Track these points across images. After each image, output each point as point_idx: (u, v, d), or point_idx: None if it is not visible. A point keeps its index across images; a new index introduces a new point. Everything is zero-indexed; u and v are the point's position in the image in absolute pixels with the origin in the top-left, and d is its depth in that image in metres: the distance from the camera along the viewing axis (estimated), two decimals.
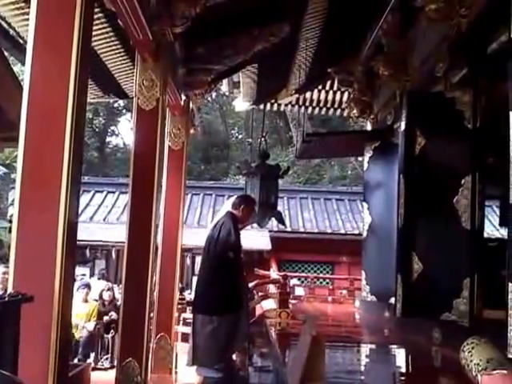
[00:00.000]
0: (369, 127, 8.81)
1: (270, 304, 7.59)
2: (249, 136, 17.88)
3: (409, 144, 5.74)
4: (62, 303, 2.78)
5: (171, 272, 6.64)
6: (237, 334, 4.98)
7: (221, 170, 27.16)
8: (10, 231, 10.12)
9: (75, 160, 2.88)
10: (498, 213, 10.80)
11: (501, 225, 9.64)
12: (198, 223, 15.45)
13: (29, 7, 3.20)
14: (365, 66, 7.82)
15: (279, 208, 8.33)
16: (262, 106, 10.69)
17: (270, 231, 14.03)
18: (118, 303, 7.65)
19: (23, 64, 3.25)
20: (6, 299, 2.41)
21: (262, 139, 8.07)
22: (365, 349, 5.62)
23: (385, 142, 7.67)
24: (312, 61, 8.24)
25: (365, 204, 8.14)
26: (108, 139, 30.50)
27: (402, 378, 4.30)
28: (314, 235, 15.10)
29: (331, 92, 10.40)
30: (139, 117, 4.88)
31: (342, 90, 9.83)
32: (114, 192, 16.95)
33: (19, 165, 2.86)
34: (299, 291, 11.57)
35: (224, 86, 9.82)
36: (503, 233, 8.30)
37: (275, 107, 10.94)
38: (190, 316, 8.22)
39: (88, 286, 10.35)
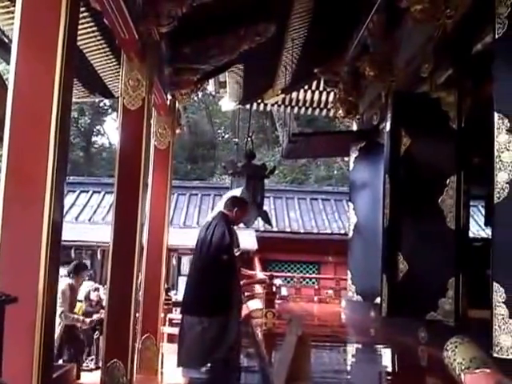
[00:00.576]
0: (354, 127, 8.86)
1: (255, 304, 7.60)
2: (235, 136, 17.86)
3: (394, 144, 5.78)
4: (46, 304, 2.75)
5: (157, 272, 6.61)
6: (225, 337, 4.96)
7: (207, 169, 27.12)
8: None
9: (60, 159, 2.86)
10: (483, 212, 10.92)
11: (486, 224, 9.73)
12: (183, 223, 15.41)
13: (14, 6, 3.17)
14: (350, 67, 7.85)
15: (265, 208, 8.34)
16: (248, 106, 10.69)
17: (256, 231, 14.03)
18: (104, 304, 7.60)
19: (8, 63, 3.22)
20: None
21: (249, 139, 8.08)
22: (351, 348, 5.65)
23: (370, 143, 7.71)
24: (298, 61, 8.25)
25: (350, 204, 8.18)
26: (94, 139, 30.34)
27: (388, 377, 4.32)
28: (300, 235, 15.14)
29: (317, 92, 10.43)
30: (125, 116, 4.85)
31: (328, 90, 9.87)
32: (99, 192, 16.85)
33: (3, 164, 2.83)
34: (284, 291, 11.60)
35: (210, 86, 9.80)
36: (489, 232, 8.39)
37: (261, 107, 10.96)
38: (177, 316, 8.21)
39: None
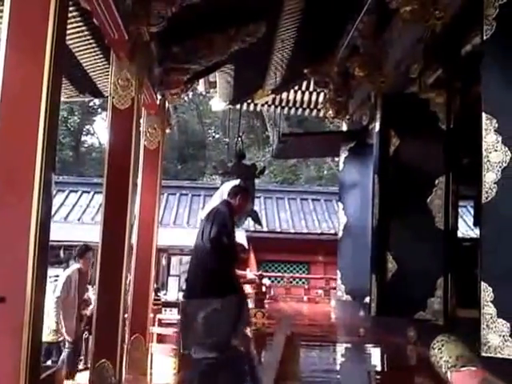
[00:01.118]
0: (344, 128, 8.88)
1: None
2: (225, 136, 17.88)
3: (383, 144, 5.81)
4: (34, 304, 2.73)
5: (146, 272, 6.58)
6: (241, 316, 4.95)
7: (197, 169, 27.07)
8: None
9: (48, 159, 2.84)
10: (472, 213, 10.99)
11: (475, 225, 9.80)
12: (173, 223, 15.37)
13: (2, 5, 3.15)
14: (340, 67, 7.88)
15: (256, 208, 8.36)
16: (238, 106, 10.69)
17: (246, 231, 14.02)
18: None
19: None
20: None
21: (239, 139, 8.08)
22: (340, 348, 5.66)
23: (360, 143, 7.74)
24: (288, 61, 8.26)
25: (340, 204, 8.21)
26: (83, 138, 30.19)
27: (377, 376, 4.34)
28: (290, 235, 15.15)
29: (307, 93, 10.46)
30: (114, 116, 4.83)
31: (318, 90, 9.89)
32: (88, 192, 16.77)
33: None
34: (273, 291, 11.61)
35: (200, 86, 9.79)
36: (478, 233, 8.44)
37: (252, 107, 10.96)
38: (166, 317, 8.19)
39: None
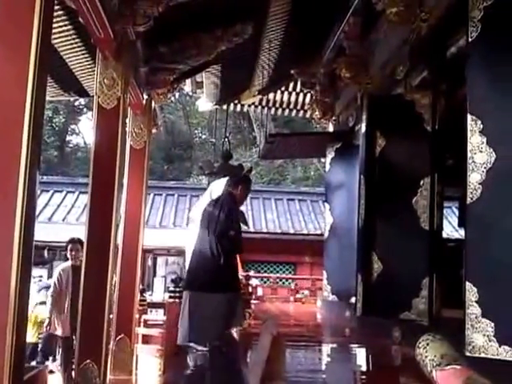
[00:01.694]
0: (331, 129, 8.91)
1: None
2: (212, 136, 17.85)
3: (369, 145, 5.84)
4: (18, 305, 2.70)
5: (132, 273, 6.54)
6: (236, 312, 5.02)
7: (184, 170, 27.01)
8: None
9: (33, 158, 2.81)
10: (457, 214, 11.08)
11: (460, 225, 9.89)
12: (159, 224, 15.31)
13: None
14: (327, 69, 7.91)
15: (242, 208, 8.33)
16: (225, 107, 10.68)
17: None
18: None
19: None
20: None
21: (226, 139, 8.07)
22: (325, 348, 5.68)
23: (346, 144, 7.77)
24: (275, 62, 8.27)
25: (326, 205, 8.23)
26: (68, 138, 29.96)
27: (363, 376, 4.35)
28: (276, 235, 15.17)
29: (294, 93, 10.48)
30: (100, 115, 4.80)
31: (305, 91, 9.92)
32: (73, 192, 16.66)
33: None
34: (260, 291, 11.61)
35: (187, 86, 9.77)
36: (462, 233, 8.52)
37: (239, 108, 10.96)
38: (151, 317, 8.15)
39: (48, 288, 10.12)
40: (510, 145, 3.66)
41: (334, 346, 5.79)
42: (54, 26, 3.91)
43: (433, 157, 5.45)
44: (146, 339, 7.15)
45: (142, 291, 9.53)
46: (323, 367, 4.72)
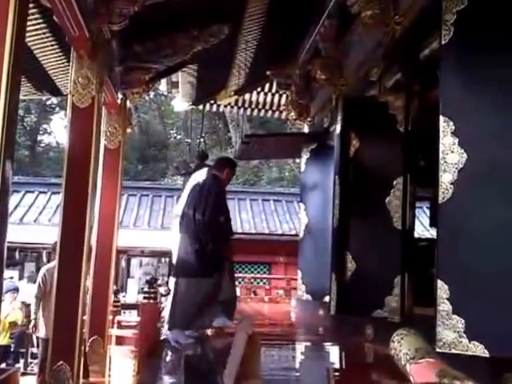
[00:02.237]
0: (306, 130, 8.96)
1: None
2: (187, 136, 17.77)
3: (344, 146, 5.90)
4: None
5: (105, 274, 6.50)
6: (219, 295, 4.99)
7: (158, 170, 26.85)
8: None
9: (6, 157, 2.78)
10: (428, 214, 11.25)
11: (431, 225, 10.04)
12: (134, 224, 15.20)
13: None
14: (302, 70, 7.95)
15: None
16: (201, 107, 10.66)
17: None
18: None
19: None
20: None
21: (201, 140, 8.06)
22: (300, 347, 5.71)
23: (321, 145, 7.82)
24: (251, 63, 8.29)
25: (301, 205, 8.27)
26: (40, 138, 29.54)
27: (336, 373, 4.39)
28: (251, 236, 15.19)
29: (270, 94, 10.51)
30: (74, 115, 4.76)
31: (281, 92, 9.95)
32: (45, 192, 16.43)
33: None
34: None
35: (162, 86, 9.73)
36: (433, 233, 8.65)
37: (214, 108, 10.95)
38: (125, 319, 8.09)
39: (16, 289, 9.97)
40: (481, 146, 3.73)
41: (308, 344, 5.83)
42: (28, 24, 3.86)
43: (405, 157, 5.52)
44: (120, 340, 7.09)
45: (116, 292, 9.46)
46: (297, 365, 4.75)
